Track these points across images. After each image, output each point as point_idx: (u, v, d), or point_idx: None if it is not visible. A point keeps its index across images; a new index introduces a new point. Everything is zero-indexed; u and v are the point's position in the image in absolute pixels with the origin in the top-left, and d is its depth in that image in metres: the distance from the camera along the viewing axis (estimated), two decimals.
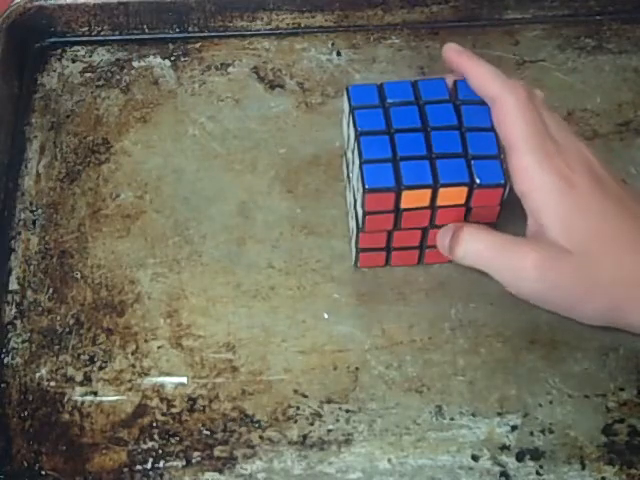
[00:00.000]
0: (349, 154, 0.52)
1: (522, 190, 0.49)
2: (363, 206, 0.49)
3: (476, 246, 0.50)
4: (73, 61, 0.66)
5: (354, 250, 0.54)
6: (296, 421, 0.51)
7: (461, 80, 0.51)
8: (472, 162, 0.48)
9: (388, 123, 0.50)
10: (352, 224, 0.54)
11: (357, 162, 0.49)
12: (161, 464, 0.50)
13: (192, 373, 0.53)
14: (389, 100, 0.51)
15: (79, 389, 0.52)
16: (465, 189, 0.48)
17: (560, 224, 0.48)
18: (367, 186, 0.48)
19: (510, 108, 0.49)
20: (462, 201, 0.49)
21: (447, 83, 0.51)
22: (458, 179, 0.48)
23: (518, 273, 0.49)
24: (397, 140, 0.49)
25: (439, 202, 0.49)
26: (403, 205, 0.49)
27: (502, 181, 0.48)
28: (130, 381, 0.53)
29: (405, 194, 0.48)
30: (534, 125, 0.49)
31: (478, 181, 0.48)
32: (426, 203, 0.49)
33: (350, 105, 0.51)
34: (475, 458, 0.50)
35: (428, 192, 0.48)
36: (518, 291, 0.50)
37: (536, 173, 0.48)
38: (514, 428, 0.50)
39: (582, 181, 0.48)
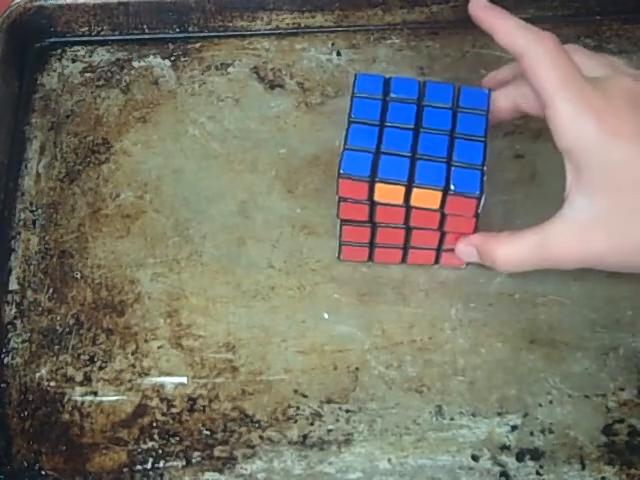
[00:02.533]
0: None
1: (563, 146, 0.46)
2: (337, 192, 0.50)
3: (511, 255, 0.50)
4: (73, 61, 0.66)
5: (337, 242, 0.54)
6: (296, 421, 0.51)
7: (466, 87, 0.52)
8: (452, 169, 0.48)
9: (382, 116, 0.50)
10: None
11: (342, 148, 0.50)
12: (161, 464, 0.50)
13: (192, 373, 0.53)
14: (392, 95, 0.51)
15: (79, 389, 0.52)
16: (439, 193, 0.48)
17: (602, 181, 0.45)
18: (342, 171, 0.49)
19: (539, 59, 0.46)
20: (436, 206, 0.49)
21: (453, 90, 0.52)
22: (433, 182, 0.48)
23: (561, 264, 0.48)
24: (385, 134, 0.50)
25: (413, 202, 0.49)
26: (376, 198, 0.49)
27: (477, 192, 0.48)
28: (130, 381, 0.53)
29: (378, 187, 0.49)
30: (566, 70, 0.45)
31: (453, 188, 0.48)
32: (400, 201, 0.49)
33: (352, 92, 0.51)
34: (475, 458, 0.50)
35: (402, 189, 0.49)
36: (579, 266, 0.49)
37: (574, 124, 0.45)
38: (514, 428, 0.50)
39: (628, 128, 0.45)
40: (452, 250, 0.53)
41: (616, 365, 0.52)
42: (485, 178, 0.48)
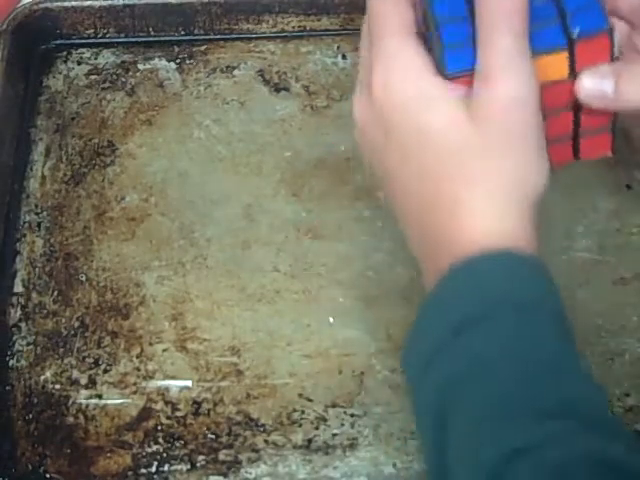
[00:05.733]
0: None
1: None
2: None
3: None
4: (78, 63, 0.66)
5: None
6: (301, 425, 0.51)
7: None
8: (567, 17, 0.40)
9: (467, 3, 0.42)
10: None
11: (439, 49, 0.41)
12: (166, 467, 0.50)
13: (197, 376, 0.53)
14: None
15: (84, 392, 0.52)
16: (563, 54, 0.40)
17: None
18: (448, 71, 0.40)
19: None
20: (565, 72, 0.40)
21: None
22: (554, 43, 0.40)
23: None
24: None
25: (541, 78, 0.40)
26: None
27: (605, 26, 0.40)
28: (135, 384, 0.53)
29: None
30: None
31: (576, 31, 0.40)
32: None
33: None
34: None
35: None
36: None
37: None
38: None
39: None
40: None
41: (622, 371, 0.52)
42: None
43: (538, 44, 0.40)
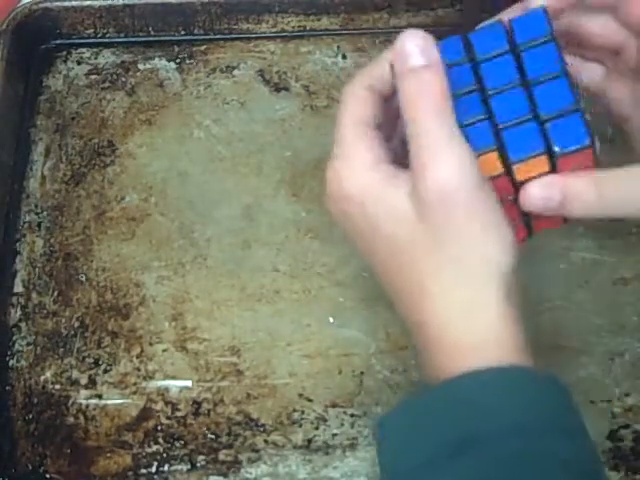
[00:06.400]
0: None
1: None
2: None
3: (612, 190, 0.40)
4: (78, 63, 0.66)
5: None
6: (301, 425, 0.51)
7: (515, 19, 0.42)
8: (546, 125, 0.40)
9: None
10: None
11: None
12: (166, 468, 0.50)
13: (197, 377, 0.53)
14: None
15: (84, 392, 0.52)
16: (544, 158, 0.40)
17: None
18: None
19: None
20: (546, 169, 0.40)
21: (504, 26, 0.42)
22: (531, 149, 0.40)
23: None
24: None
25: (518, 177, 0.41)
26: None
27: (586, 141, 0.40)
28: (135, 384, 0.53)
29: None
30: None
31: (557, 149, 0.40)
32: (499, 171, 0.41)
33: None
34: None
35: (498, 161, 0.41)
36: None
37: None
38: None
39: None
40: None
41: (621, 371, 0.52)
42: (587, 116, 0.40)
43: (518, 145, 0.40)
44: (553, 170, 0.41)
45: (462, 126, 0.40)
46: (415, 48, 0.40)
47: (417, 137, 0.39)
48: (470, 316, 0.39)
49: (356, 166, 0.41)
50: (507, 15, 0.44)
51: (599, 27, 0.45)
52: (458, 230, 0.39)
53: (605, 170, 0.41)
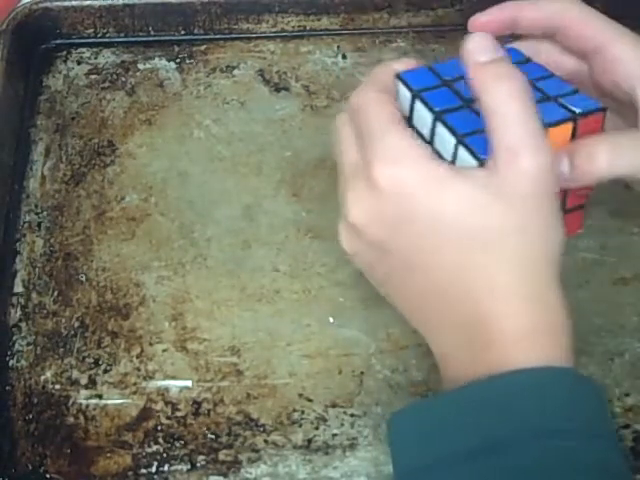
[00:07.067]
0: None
1: (630, 84, 0.43)
2: None
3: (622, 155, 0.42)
4: (78, 63, 0.66)
5: None
6: (301, 425, 0.51)
7: (509, 47, 0.46)
8: (561, 99, 0.44)
9: (460, 97, 0.44)
10: None
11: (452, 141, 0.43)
12: (166, 468, 0.50)
13: (197, 377, 0.53)
14: (446, 77, 0.45)
15: (84, 392, 0.52)
16: (569, 125, 0.43)
17: None
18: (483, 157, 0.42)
19: (576, 17, 0.44)
20: (568, 138, 0.43)
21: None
22: (558, 117, 0.43)
23: None
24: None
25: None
26: None
27: (600, 105, 0.43)
28: (135, 384, 0.53)
29: None
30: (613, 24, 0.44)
31: (578, 110, 0.43)
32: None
33: (411, 91, 0.44)
34: None
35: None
36: None
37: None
38: None
39: None
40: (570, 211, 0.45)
41: (621, 371, 0.52)
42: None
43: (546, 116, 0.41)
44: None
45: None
46: (489, 42, 0.40)
47: (508, 121, 0.38)
48: (536, 308, 0.38)
49: (416, 160, 0.39)
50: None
51: (545, 56, 0.47)
52: (544, 219, 0.39)
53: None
